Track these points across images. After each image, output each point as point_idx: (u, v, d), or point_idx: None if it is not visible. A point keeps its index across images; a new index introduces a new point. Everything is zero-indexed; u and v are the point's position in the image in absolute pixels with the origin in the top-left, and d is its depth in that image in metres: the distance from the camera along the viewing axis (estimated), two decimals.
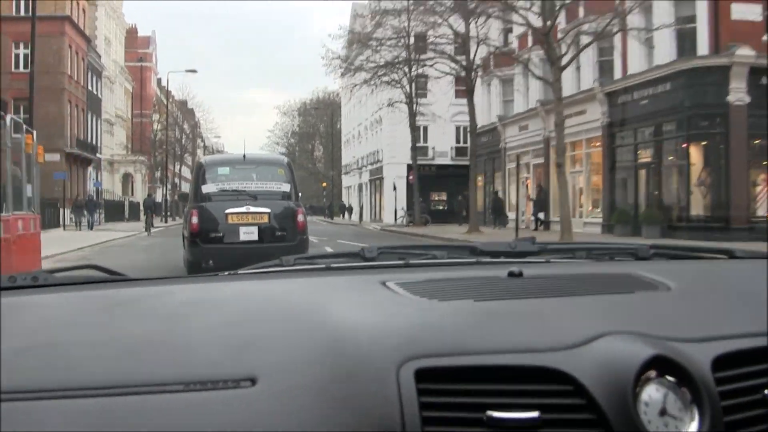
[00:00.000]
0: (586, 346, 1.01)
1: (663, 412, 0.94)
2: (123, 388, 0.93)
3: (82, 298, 1.35)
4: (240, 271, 1.65)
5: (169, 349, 1.05)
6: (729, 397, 0.98)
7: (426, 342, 1.02)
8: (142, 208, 46.40)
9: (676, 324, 1.11)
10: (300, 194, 13.09)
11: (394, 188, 52.44)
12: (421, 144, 56.11)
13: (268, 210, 11.38)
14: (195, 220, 11.23)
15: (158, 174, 78.07)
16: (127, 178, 65.40)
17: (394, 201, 52.58)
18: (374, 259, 1.70)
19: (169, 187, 67.65)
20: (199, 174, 12.05)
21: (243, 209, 11.28)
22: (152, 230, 33.56)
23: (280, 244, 11.00)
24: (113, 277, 1.54)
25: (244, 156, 12.19)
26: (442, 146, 55.34)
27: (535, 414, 0.92)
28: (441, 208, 56.35)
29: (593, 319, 1.11)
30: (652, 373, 0.97)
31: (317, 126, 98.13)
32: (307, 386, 0.94)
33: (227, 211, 11.28)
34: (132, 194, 64.55)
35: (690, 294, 1.33)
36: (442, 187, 55.53)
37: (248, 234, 11.18)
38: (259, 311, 1.23)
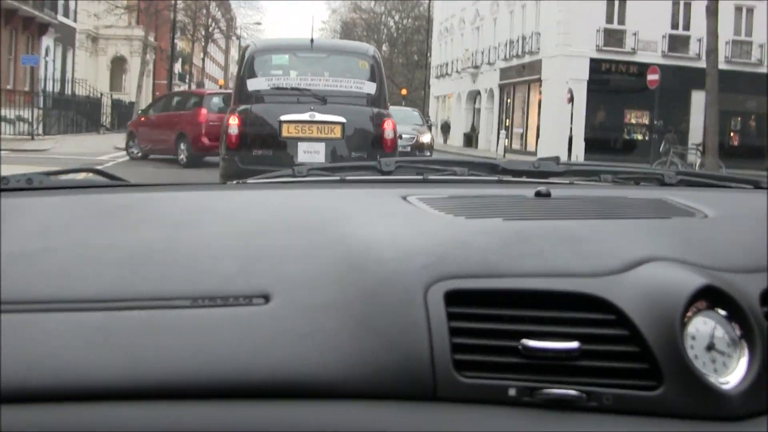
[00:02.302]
0: (629, 273, 0.94)
1: (710, 347, 0.89)
2: (125, 302, 0.88)
3: (80, 201, 1.27)
4: (249, 180, 1.57)
5: (174, 261, 0.99)
6: None
7: (456, 261, 0.95)
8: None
9: (721, 253, 1.04)
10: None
11: (571, 98, 29.37)
12: (613, 26, 32.57)
13: (341, 119, 7.83)
14: (234, 129, 7.76)
15: (177, 68, 55.72)
16: (118, 65, 42.50)
17: (570, 120, 29.55)
18: (391, 173, 1.62)
19: (192, 86, 46.61)
20: (245, 64, 8.22)
21: (305, 116, 7.78)
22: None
23: None
24: (114, 182, 1.46)
25: (311, 41, 8.39)
26: (648, 32, 31.78)
27: (574, 344, 0.86)
28: (639, 137, 33.08)
29: (633, 243, 1.03)
30: (701, 305, 0.91)
31: (384, 19, 75.21)
32: (327, 305, 0.89)
33: (282, 117, 7.79)
34: (124, 90, 41.87)
35: (728, 222, 1.26)
36: (644, 103, 32.21)
37: (311, 153, 7.71)
38: (271, 222, 1.16)
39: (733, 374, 0.88)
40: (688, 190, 1.56)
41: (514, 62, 36.99)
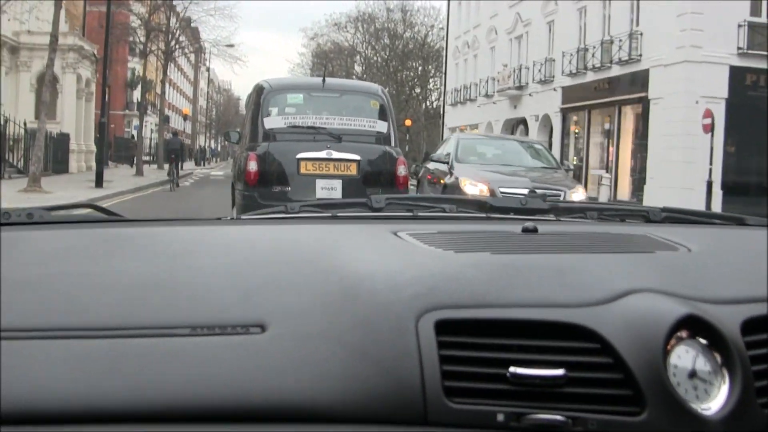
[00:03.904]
0: (613, 303, 0.98)
1: (692, 375, 0.93)
2: (128, 330, 0.91)
3: (80, 235, 1.31)
4: (243, 216, 1.63)
5: (174, 291, 1.02)
6: (758, 361, 0.96)
7: (445, 293, 0.99)
8: (159, 151, 34.51)
9: (703, 285, 1.08)
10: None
11: (711, 126, 19.41)
12: (760, 19, 22.77)
13: (357, 157, 8.05)
14: (253, 166, 7.91)
15: (136, 98, 45.15)
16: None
17: (709, 158, 19.65)
18: (382, 210, 1.68)
19: (152, 119, 36.00)
20: (260, 102, 8.34)
21: (322, 154, 8.01)
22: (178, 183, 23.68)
23: None
24: (112, 218, 1.51)
25: (323, 80, 8.73)
26: None
27: (560, 371, 0.90)
28: None
29: (617, 276, 1.07)
30: (683, 334, 0.94)
31: (373, 42, 65.78)
32: (321, 334, 0.92)
33: (299, 155, 7.97)
34: (56, 117, 31.18)
35: (711, 256, 1.30)
36: None
37: (328, 190, 7.98)
38: (266, 256, 1.20)
39: (714, 400, 0.91)
40: (673, 227, 1.59)
41: (590, 77, 27.00)
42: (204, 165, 63.04)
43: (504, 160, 11.92)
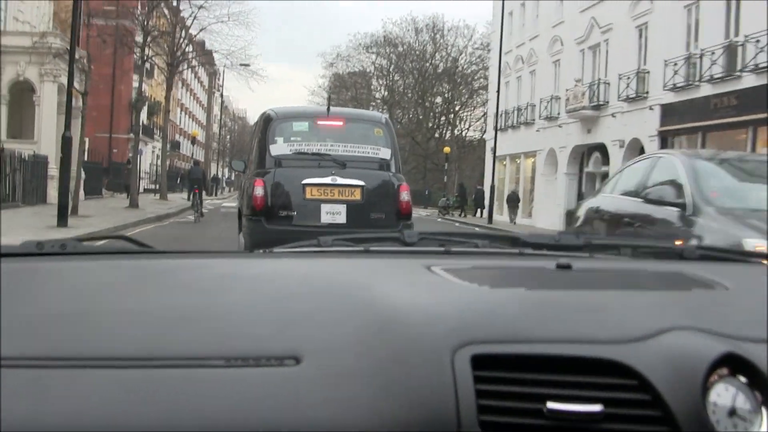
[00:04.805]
0: (651, 340, 0.98)
1: (732, 413, 0.92)
2: (162, 360, 0.92)
3: (113, 267, 1.32)
4: (275, 249, 1.63)
5: (207, 323, 1.02)
6: None
7: (481, 328, 1.00)
8: (162, 180, 34.10)
9: (741, 323, 1.07)
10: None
11: None
12: None
13: (361, 183, 8.25)
14: (260, 191, 8.11)
15: (143, 120, 39.74)
16: (21, 97, 26.10)
17: None
18: (415, 245, 1.67)
19: (160, 144, 29.85)
20: (267, 130, 8.56)
21: (327, 180, 8.17)
22: (201, 214, 22.89)
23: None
24: (143, 249, 1.51)
25: (328, 108, 8.94)
26: None
27: (597, 407, 0.90)
28: None
29: (655, 313, 1.08)
30: (723, 372, 0.94)
31: (396, 62, 60.69)
32: (355, 368, 0.92)
33: (305, 181, 8.16)
34: (32, 135, 25.62)
35: (747, 294, 1.27)
36: None
37: (333, 215, 8.12)
38: (300, 288, 1.20)
39: None
40: (707, 264, 1.57)
41: (706, 90, 21.08)
42: (216, 195, 57.60)
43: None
